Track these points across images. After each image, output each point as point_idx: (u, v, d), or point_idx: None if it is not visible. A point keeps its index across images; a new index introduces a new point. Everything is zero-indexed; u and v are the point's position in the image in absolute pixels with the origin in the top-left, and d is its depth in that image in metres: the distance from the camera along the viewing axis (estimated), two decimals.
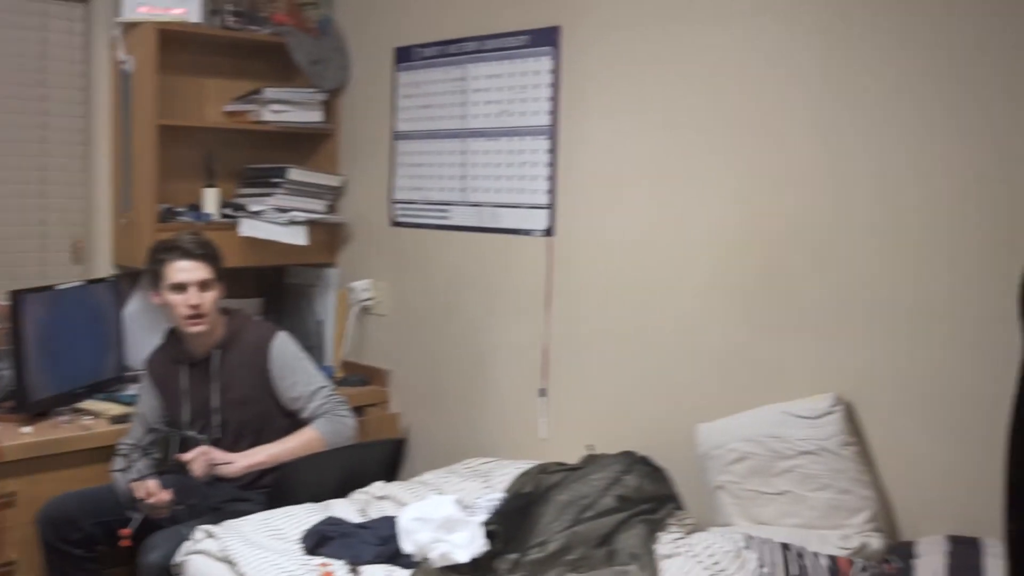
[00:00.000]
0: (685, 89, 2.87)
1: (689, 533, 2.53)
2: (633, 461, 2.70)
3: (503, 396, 3.44)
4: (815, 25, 2.61)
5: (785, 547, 2.39)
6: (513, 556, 2.38)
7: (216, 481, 2.93)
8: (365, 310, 3.89)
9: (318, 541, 2.52)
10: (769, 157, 2.71)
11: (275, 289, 4.11)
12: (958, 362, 2.41)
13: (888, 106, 2.49)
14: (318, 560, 2.45)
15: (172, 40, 3.56)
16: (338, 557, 2.45)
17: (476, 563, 2.36)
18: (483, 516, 2.53)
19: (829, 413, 2.54)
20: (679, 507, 2.65)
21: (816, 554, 2.37)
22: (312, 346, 3.92)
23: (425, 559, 2.40)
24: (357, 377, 3.86)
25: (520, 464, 2.99)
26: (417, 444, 3.71)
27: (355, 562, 2.43)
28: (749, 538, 2.44)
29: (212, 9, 3.62)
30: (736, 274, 2.80)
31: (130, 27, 3.56)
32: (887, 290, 2.52)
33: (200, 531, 2.60)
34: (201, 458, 2.87)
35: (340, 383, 3.78)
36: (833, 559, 2.36)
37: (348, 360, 3.93)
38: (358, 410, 3.72)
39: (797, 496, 2.55)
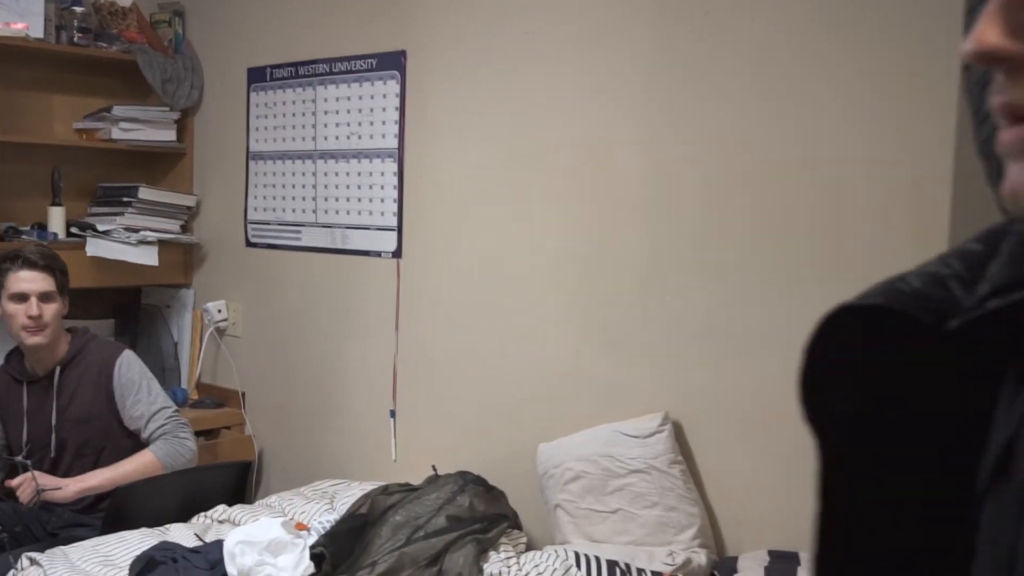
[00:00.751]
0: (526, 115, 2.90)
1: (520, 552, 2.56)
2: (467, 481, 2.72)
3: (356, 417, 3.43)
4: (642, 53, 2.65)
5: (613, 564, 2.43)
6: None
7: (48, 506, 2.86)
8: (220, 331, 3.83)
9: (146, 566, 2.47)
10: (603, 183, 2.76)
11: (130, 310, 4.03)
12: (777, 384, 2.45)
13: (710, 133, 2.54)
14: None
15: (15, 55, 3.47)
16: None
17: None
18: (312, 538, 2.52)
19: (658, 432, 2.59)
20: (514, 526, 2.68)
21: (641, 571, 2.42)
22: (168, 368, 3.86)
23: None
24: (212, 399, 3.80)
25: (368, 485, 2.99)
26: (272, 466, 3.67)
27: None
28: (579, 556, 2.48)
29: (58, 24, 3.52)
30: (574, 297, 2.84)
31: None
32: (712, 313, 2.57)
33: (25, 558, 2.53)
34: (27, 484, 2.80)
35: (195, 405, 3.74)
36: (658, 575, 2.41)
37: (203, 382, 3.88)
38: (213, 432, 3.68)
39: (628, 514, 2.60)
